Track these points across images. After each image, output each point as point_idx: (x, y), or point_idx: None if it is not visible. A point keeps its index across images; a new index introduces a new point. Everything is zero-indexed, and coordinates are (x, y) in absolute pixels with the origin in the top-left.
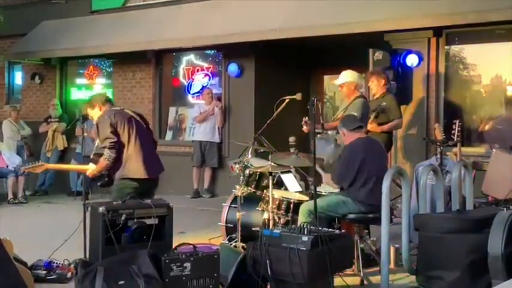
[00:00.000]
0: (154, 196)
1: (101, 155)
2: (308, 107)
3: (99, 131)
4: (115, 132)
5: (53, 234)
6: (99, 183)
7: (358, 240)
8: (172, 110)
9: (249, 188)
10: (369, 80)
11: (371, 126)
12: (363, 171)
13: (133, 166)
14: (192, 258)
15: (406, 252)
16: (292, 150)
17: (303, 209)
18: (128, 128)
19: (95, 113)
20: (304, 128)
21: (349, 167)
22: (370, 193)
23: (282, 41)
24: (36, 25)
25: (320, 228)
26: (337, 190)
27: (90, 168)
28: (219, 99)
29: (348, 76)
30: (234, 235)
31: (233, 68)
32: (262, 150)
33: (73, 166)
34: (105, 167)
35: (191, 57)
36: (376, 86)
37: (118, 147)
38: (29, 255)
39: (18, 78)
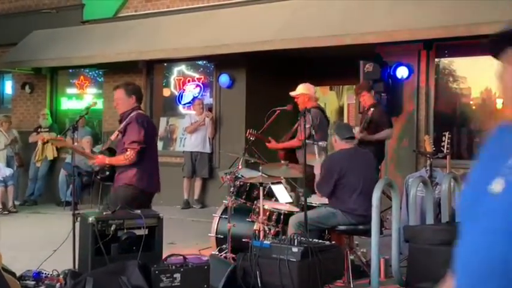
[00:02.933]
0: None
1: (111, 150)
2: (299, 118)
3: (131, 130)
4: (146, 140)
5: (42, 244)
6: (99, 176)
7: (348, 252)
8: (163, 121)
9: (240, 199)
10: (359, 93)
11: (362, 135)
12: (343, 182)
13: (147, 178)
14: (182, 269)
15: (396, 264)
16: (282, 161)
17: (292, 220)
18: (151, 140)
19: (125, 101)
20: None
21: (327, 178)
22: (357, 204)
23: (274, 52)
24: (27, 34)
25: (310, 240)
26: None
27: (101, 158)
28: (210, 109)
29: (302, 88)
30: (224, 246)
31: (224, 78)
32: (252, 161)
33: (84, 151)
34: (119, 164)
35: (182, 67)
36: (368, 99)
37: (142, 155)
38: (18, 265)
39: (9, 87)
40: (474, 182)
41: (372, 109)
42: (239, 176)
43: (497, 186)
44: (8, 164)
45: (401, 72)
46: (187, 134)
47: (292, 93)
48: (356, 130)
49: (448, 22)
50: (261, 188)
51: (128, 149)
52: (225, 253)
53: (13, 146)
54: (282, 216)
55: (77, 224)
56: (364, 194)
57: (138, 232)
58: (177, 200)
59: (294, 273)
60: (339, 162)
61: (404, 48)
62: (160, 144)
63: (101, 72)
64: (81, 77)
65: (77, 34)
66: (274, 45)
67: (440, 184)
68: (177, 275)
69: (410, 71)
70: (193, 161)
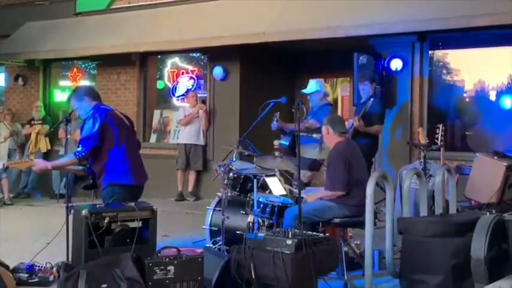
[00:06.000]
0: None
1: None
2: (293, 110)
3: (85, 127)
4: (102, 136)
5: (36, 237)
6: (82, 186)
7: (342, 244)
8: (156, 113)
9: (234, 192)
10: (361, 81)
11: (358, 124)
12: (348, 174)
13: (121, 172)
14: (175, 262)
15: (390, 256)
16: (276, 153)
17: (287, 213)
18: (118, 132)
19: (82, 107)
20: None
21: (339, 168)
22: (353, 195)
23: (268, 44)
24: (20, 26)
25: (304, 232)
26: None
27: (41, 163)
28: (203, 102)
29: (316, 86)
30: (218, 238)
31: (218, 71)
32: (247, 154)
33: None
34: (69, 164)
35: (176, 60)
36: (367, 90)
37: (96, 152)
38: (11, 258)
39: (1, 79)
40: None
41: (372, 99)
42: (233, 168)
43: None
44: (10, 157)
45: (396, 64)
46: (181, 127)
47: (305, 91)
48: (350, 120)
49: (441, 14)
50: (255, 181)
51: (80, 146)
52: (219, 245)
53: (15, 139)
54: (276, 209)
55: (71, 217)
56: (359, 185)
57: (132, 225)
58: (171, 192)
59: (288, 266)
60: (343, 153)
61: (398, 40)
62: (154, 137)
63: (94, 65)
64: (74, 69)
65: (70, 26)
66: (268, 37)
67: (434, 176)
68: (171, 268)
69: (405, 63)
70: (187, 153)
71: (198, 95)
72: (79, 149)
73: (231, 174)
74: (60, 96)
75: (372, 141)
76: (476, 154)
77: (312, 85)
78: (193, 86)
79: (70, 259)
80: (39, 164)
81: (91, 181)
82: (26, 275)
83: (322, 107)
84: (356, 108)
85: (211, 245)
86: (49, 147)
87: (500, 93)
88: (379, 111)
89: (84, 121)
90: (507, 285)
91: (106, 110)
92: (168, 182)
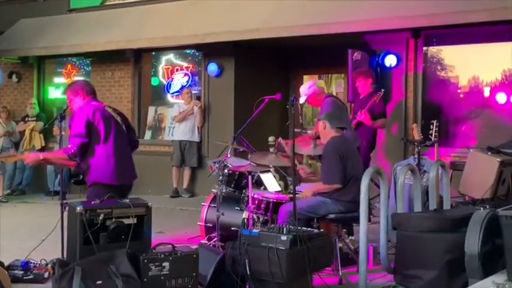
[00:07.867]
0: (133, 196)
1: None
2: (287, 107)
3: (73, 124)
4: (89, 133)
5: (30, 234)
6: (72, 180)
7: (337, 240)
8: (151, 110)
9: (228, 188)
10: (356, 79)
11: (364, 117)
12: (343, 167)
13: (105, 171)
14: (170, 258)
15: (384, 252)
16: (271, 149)
17: (282, 209)
18: (104, 129)
19: (75, 101)
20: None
21: (334, 161)
22: (349, 192)
23: (262, 40)
24: (13, 23)
25: (299, 228)
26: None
27: (32, 155)
28: (198, 98)
29: (307, 91)
30: (213, 235)
31: (213, 67)
32: (241, 150)
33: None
34: (58, 158)
35: (170, 56)
36: (363, 86)
37: (85, 149)
38: (6, 255)
39: None
40: None
41: (383, 90)
42: (228, 164)
43: None
44: None
45: (390, 60)
46: (175, 123)
47: (301, 101)
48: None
49: (436, 10)
50: (249, 177)
51: (70, 143)
52: (214, 242)
53: (9, 137)
54: (270, 205)
55: (65, 214)
56: (354, 181)
57: (126, 221)
58: (165, 189)
59: (283, 261)
60: (338, 147)
61: (392, 36)
62: (148, 134)
63: (88, 61)
64: (69, 66)
65: (64, 23)
66: (263, 33)
67: (428, 172)
68: (166, 264)
69: (399, 60)
70: (182, 150)
71: (193, 92)
72: (69, 146)
73: (225, 170)
74: (54, 93)
75: (373, 137)
76: (470, 150)
77: (303, 93)
78: (187, 82)
79: (65, 256)
80: (30, 156)
81: (81, 177)
82: (21, 272)
83: (324, 102)
84: (356, 104)
85: (206, 242)
86: (43, 144)
87: (494, 89)
88: (383, 106)
89: (72, 117)
90: (500, 280)
91: (94, 107)
92: (163, 179)
